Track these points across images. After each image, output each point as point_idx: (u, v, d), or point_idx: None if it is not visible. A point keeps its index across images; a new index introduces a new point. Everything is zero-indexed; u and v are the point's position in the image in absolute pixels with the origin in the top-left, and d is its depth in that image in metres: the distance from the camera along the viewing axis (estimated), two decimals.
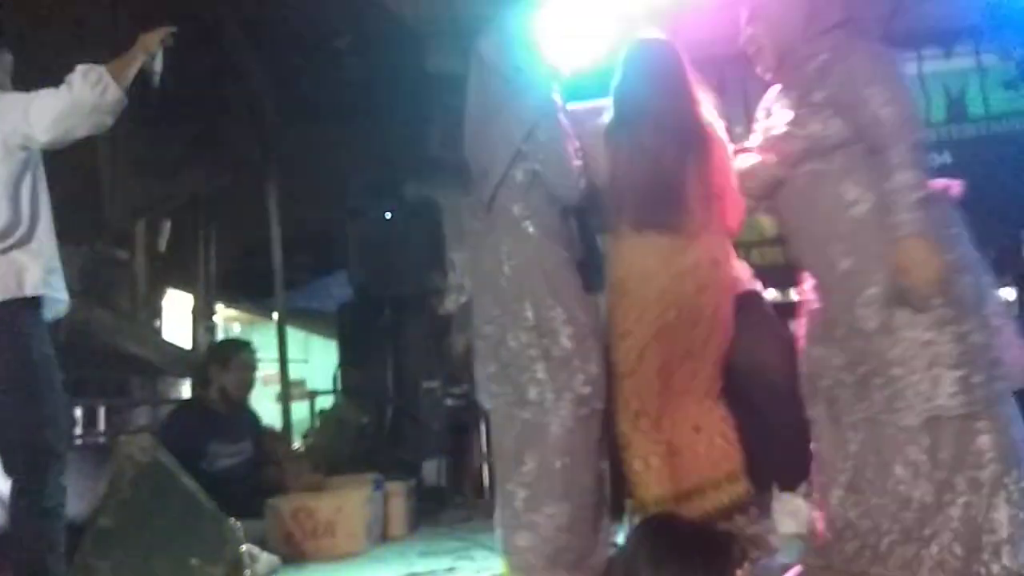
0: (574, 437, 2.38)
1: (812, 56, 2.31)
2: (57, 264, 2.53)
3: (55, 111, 2.40)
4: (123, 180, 5.26)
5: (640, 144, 2.52)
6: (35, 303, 2.44)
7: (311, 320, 8.40)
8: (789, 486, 2.92)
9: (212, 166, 5.92)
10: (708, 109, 2.63)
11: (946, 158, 5.73)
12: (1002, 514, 2.07)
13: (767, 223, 3.09)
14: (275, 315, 6.23)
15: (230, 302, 8.52)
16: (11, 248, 2.41)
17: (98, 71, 2.41)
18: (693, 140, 2.56)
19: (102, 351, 5.26)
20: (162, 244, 6.33)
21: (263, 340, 5.53)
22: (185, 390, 6.55)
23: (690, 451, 2.52)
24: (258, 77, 5.36)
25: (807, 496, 3.09)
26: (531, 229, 2.46)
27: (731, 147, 2.63)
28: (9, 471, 2.43)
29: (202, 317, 6.64)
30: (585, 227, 2.80)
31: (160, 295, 6.61)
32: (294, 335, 7.36)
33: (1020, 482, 2.09)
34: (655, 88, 2.59)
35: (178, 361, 6.06)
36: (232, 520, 2.80)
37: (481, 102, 2.58)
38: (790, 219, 2.45)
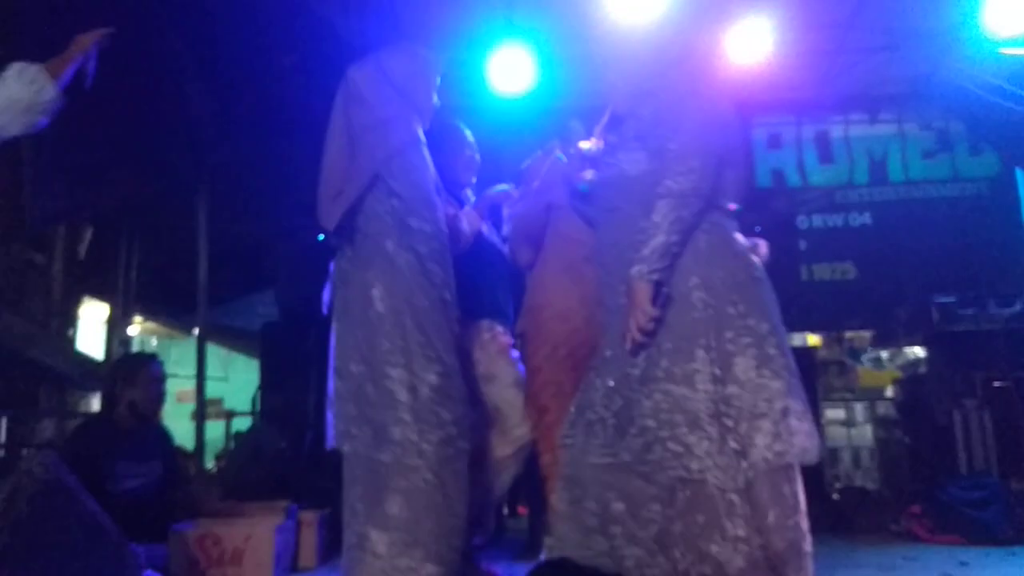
0: (440, 478, 2.36)
1: (641, 102, 2.27)
2: None
3: None
4: (46, 182, 5.08)
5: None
6: None
7: (233, 338, 8.21)
8: None
9: (141, 174, 5.75)
10: None
11: (867, 219, 6.00)
12: None
13: None
14: (196, 330, 6.06)
15: (149, 315, 8.26)
16: None
17: (33, 69, 2.37)
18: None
19: (9, 358, 5.03)
20: (82, 251, 6.12)
21: (181, 356, 5.40)
22: (95, 403, 6.30)
23: None
24: (196, 87, 5.26)
25: None
26: (404, 266, 2.46)
27: None
28: None
29: (118, 328, 6.41)
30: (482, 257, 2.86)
31: (76, 303, 6.37)
32: (214, 352, 7.19)
33: None
34: None
35: (89, 373, 5.83)
36: (133, 545, 2.69)
37: (342, 129, 2.58)
38: (598, 255, 2.34)
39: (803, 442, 1.99)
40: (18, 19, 3.96)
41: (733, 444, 1.95)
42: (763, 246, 2.36)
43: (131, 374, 3.74)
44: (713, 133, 2.11)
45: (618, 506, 2.04)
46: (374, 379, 2.40)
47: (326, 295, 2.67)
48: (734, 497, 1.92)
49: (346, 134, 2.56)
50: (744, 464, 1.94)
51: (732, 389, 1.99)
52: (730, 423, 1.97)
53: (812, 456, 2.00)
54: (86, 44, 2.51)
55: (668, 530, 1.96)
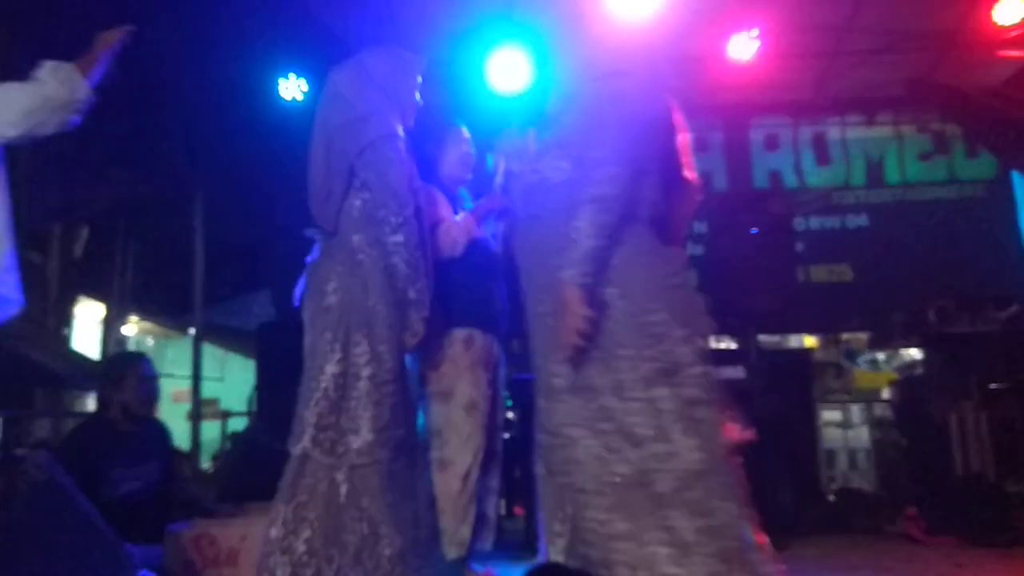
0: (351, 483, 2.35)
1: (565, 108, 2.27)
2: (12, 263, 2.43)
3: (24, 106, 2.33)
4: (44, 180, 5.08)
5: None
6: None
7: (229, 338, 8.19)
8: None
9: (138, 173, 5.75)
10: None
11: (863, 220, 6.01)
12: None
13: None
14: (192, 330, 6.06)
15: (145, 314, 8.25)
16: None
17: (67, 68, 2.38)
18: (674, 181, 2.64)
19: (4, 357, 5.02)
20: (78, 250, 6.12)
21: (177, 355, 5.39)
22: (91, 403, 6.29)
23: None
24: (192, 87, 5.26)
25: None
26: (365, 261, 2.45)
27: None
28: None
29: (113, 328, 6.40)
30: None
31: (72, 303, 6.36)
32: (210, 352, 7.18)
33: None
34: None
35: (84, 373, 5.83)
36: (128, 546, 2.69)
37: (324, 127, 2.60)
38: (520, 262, 2.32)
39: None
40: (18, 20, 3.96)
41: (660, 447, 1.96)
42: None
43: (120, 375, 3.70)
44: (631, 142, 2.10)
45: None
46: (312, 373, 2.40)
47: (298, 289, 2.67)
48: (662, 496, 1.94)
49: (326, 133, 2.58)
50: (671, 465, 1.96)
51: (658, 391, 2.00)
52: (650, 432, 1.97)
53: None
54: (111, 41, 2.51)
55: (609, 534, 1.96)
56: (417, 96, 2.73)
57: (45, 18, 4.25)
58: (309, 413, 2.37)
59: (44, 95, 2.34)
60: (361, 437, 2.34)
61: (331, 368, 2.36)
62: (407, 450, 2.53)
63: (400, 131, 2.56)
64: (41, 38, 3.98)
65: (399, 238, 2.47)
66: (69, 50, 2.50)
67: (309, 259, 2.67)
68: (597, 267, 2.02)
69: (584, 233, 2.00)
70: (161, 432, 3.87)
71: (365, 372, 2.38)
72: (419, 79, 2.73)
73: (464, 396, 2.85)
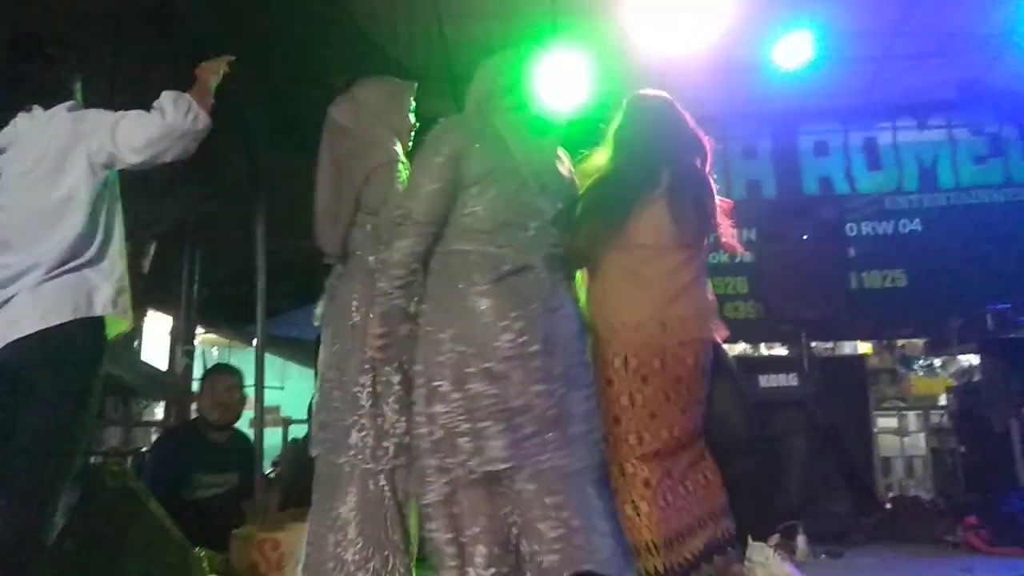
0: (392, 484, 2.45)
1: None
2: (126, 284, 2.50)
3: (148, 135, 2.43)
4: None
5: (644, 185, 2.66)
6: (101, 323, 2.39)
7: (289, 347, 8.38)
8: (759, 536, 3.00)
9: (201, 191, 5.96)
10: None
11: (917, 225, 5.92)
12: None
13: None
14: (255, 341, 6.24)
15: (210, 326, 8.51)
16: (84, 266, 2.38)
17: (187, 99, 2.47)
18: (699, 188, 2.71)
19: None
20: (146, 265, 6.34)
21: (241, 365, 5.53)
22: (159, 413, 6.53)
23: (682, 490, 2.58)
24: (252, 107, 5.44)
25: (776, 548, 3.18)
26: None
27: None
28: (31, 487, 2.25)
29: (181, 340, 6.62)
30: None
31: (140, 316, 6.60)
32: (271, 361, 7.36)
33: None
34: (659, 138, 2.74)
35: (154, 383, 6.05)
36: (198, 550, 2.82)
37: (329, 161, 2.74)
38: None
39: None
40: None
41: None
42: None
43: (202, 385, 3.93)
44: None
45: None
46: (343, 385, 2.52)
47: (318, 310, 2.79)
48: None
49: (334, 164, 2.72)
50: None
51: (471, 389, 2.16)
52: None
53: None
54: (216, 70, 2.62)
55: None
56: (412, 119, 2.86)
57: (113, 47, 4.45)
58: (349, 423, 2.49)
59: (166, 125, 2.43)
60: (396, 438, 2.45)
61: (365, 380, 2.48)
62: None
63: (401, 155, 2.69)
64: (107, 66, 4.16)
65: None
66: (133, 79, 2.63)
67: (328, 282, 2.79)
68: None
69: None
70: (245, 446, 4.04)
71: (395, 379, 2.49)
72: (412, 104, 2.87)
73: None
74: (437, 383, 2.19)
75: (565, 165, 2.51)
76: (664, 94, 2.86)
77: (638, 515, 2.50)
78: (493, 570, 2.10)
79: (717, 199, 2.80)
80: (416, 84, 2.91)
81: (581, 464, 2.20)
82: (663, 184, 2.65)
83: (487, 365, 2.15)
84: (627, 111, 2.84)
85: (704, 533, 2.55)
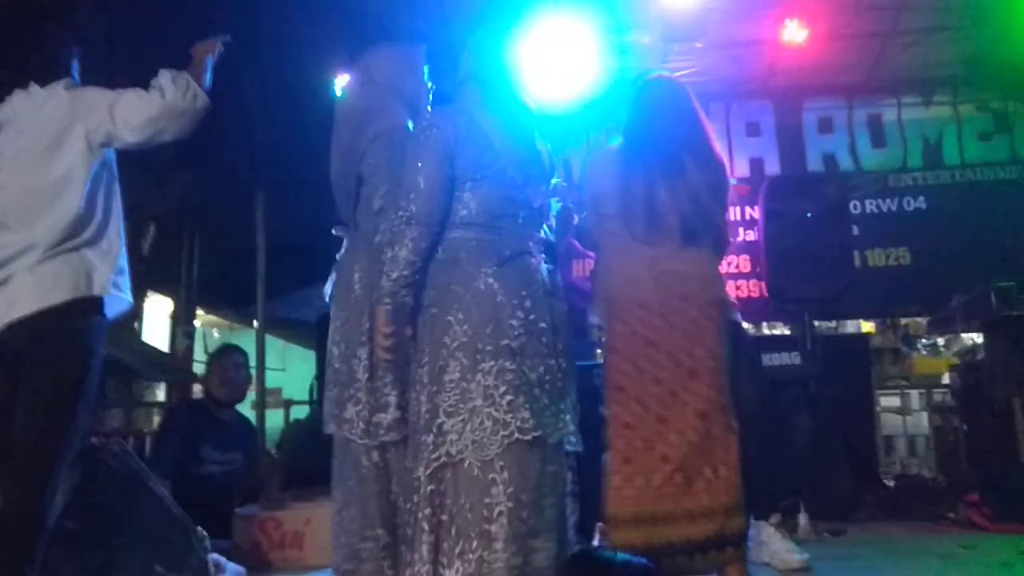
0: (384, 459, 2.43)
1: None
2: (125, 264, 2.48)
3: (147, 114, 2.41)
4: None
5: (656, 168, 2.69)
6: (100, 303, 2.37)
7: (290, 329, 8.40)
8: (761, 515, 3.00)
9: (201, 173, 5.94)
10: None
11: (921, 203, 5.89)
12: None
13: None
14: (255, 323, 6.24)
15: (211, 308, 8.51)
16: (82, 246, 2.36)
17: (185, 77, 2.44)
18: (710, 166, 2.71)
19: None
20: (146, 247, 6.32)
21: (242, 346, 5.55)
22: (160, 394, 6.54)
23: (693, 474, 2.58)
24: (251, 88, 5.40)
25: (778, 526, 3.17)
26: (379, 249, 2.48)
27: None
28: (32, 467, 2.23)
29: (181, 322, 6.63)
30: None
31: (141, 297, 6.60)
32: (273, 343, 7.36)
33: None
34: (670, 119, 2.77)
35: (155, 364, 6.06)
36: (199, 529, 2.82)
37: (352, 111, 2.70)
38: None
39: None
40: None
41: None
42: None
43: (209, 363, 4.00)
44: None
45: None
46: (345, 357, 2.49)
47: (327, 286, 2.77)
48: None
49: (342, 139, 2.68)
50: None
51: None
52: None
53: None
54: (210, 51, 2.58)
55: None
56: (427, 84, 2.81)
57: (107, 25, 4.41)
58: (345, 396, 2.48)
59: (166, 103, 2.40)
60: (389, 415, 2.42)
61: (362, 352, 2.45)
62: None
63: (408, 123, 2.62)
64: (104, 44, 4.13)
65: None
66: (131, 56, 2.59)
67: (337, 256, 2.76)
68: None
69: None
70: (248, 429, 4.13)
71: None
72: (424, 69, 2.81)
73: None
74: (444, 362, 2.19)
75: (545, 149, 2.51)
76: (673, 76, 2.87)
77: (628, 486, 2.57)
78: (460, 553, 2.11)
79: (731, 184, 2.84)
80: (425, 45, 2.85)
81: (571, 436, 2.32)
82: (686, 172, 2.69)
83: (505, 342, 2.18)
84: (639, 95, 2.85)
85: (707, 526, 2.54)
